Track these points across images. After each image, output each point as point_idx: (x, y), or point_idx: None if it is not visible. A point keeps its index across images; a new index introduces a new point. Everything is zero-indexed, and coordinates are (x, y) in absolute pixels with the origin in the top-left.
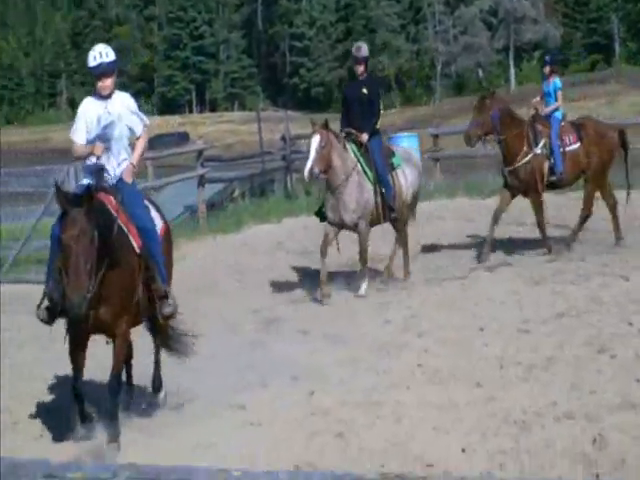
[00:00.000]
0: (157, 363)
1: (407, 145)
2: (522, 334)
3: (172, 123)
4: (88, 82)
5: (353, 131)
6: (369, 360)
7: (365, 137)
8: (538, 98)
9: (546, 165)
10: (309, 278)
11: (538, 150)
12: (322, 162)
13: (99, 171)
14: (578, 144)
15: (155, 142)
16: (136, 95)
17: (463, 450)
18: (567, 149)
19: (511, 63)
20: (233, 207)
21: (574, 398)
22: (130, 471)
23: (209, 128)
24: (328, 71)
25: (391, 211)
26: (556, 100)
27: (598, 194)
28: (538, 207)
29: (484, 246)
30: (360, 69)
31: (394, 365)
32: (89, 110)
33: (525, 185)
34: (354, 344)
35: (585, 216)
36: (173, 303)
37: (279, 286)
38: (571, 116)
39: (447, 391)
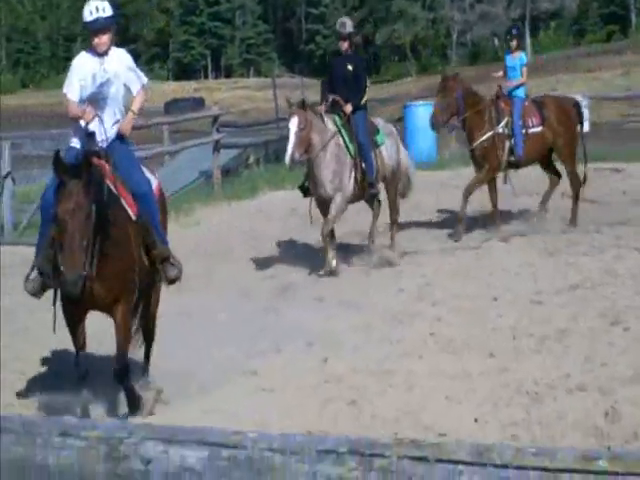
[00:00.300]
0: (147, 354)
1: (424, 114)
2: (535, 305)
3: (187, 88)
4: None
5: (338, 98)
6: (382, 328)
7: (349, 108)
8: (501, 73)
9: (507, 145)
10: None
11: (500, 129)
12: (302, 145)
13: (90, 136)
14: (541, 127)
15: (171, 107)
16: (152, 60)
17: (475, 420)
18: (530, 131)
19: (527, 32)
20: (248, 173)
21: (587, 370)
22: (146, 431)
23: (225, 94)
24: None
25: (371, 187)
26: (521, 76)
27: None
28: (485, 182)
29: (456, 225)
30: (345, 45)
31: (407, 334)
32: (84, 66)
33: (484, 162)
34: (368, 312)
35: (577, 192)
36: (177, 264)
37: (294, 253)
38: (586, 90)
39: (460, 361)
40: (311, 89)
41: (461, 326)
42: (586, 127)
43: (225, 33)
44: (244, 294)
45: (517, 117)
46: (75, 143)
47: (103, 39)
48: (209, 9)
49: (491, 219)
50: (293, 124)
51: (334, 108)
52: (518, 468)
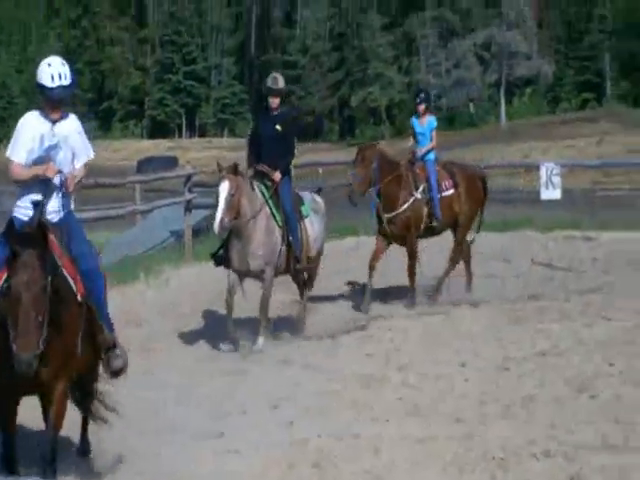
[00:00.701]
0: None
1: None
2: (503, 371)
3: (162, 147)
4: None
5: (266, 169)
6: (350, 393)
7: (278, 175)
8: (411, 141)
9: (425, 210)
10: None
11: (418, 195)
12: (232, 211)
13: (38, 205)
14: (452, 190)
15: (144, 165)
16: (127, 116)
17: None
18: (443, 194)
19: (502, 98)
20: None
21: (552, 437)
22: None
23: (198, 153)
24: (319, 100)
25: (296, 262)
26: (431, 140)
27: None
28: (414, 253)
29: (365, 297)
30: (275, 102)
31: (374, 398)
32: (33, 127)
33: (405, 231)
34: (335, 376)
35: (456, 261)
36: (123, 354)
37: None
38: (560, 158)
39: (427, 425)
40: None
41: (428, 391)
42: (558, 194)
43: (200, 92)
44: (211, 356)
45: (434, 181)
46: (22, 211)
47: (58, 109)
48: (185, 67)
49: (438, 285)
50: (223, 189)
51: (261, 177)
52: None
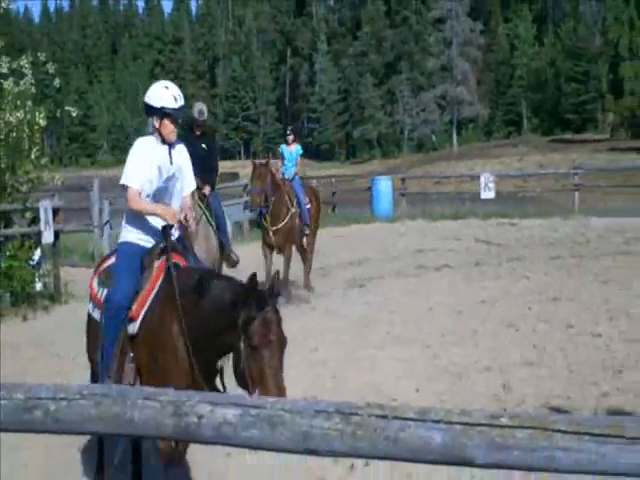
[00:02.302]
0: None
1: (384, 185)
2: (457, 314)
3: (227, 166)
4: None
5: (198, 183)
6: (352, 329)
7: (208, 189)
8: (279, 163)
9: (298, 222)
10: None
11: (293, 209)
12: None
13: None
14: (310, 204)
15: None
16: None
17: (417, 390)
18: (307, 207)
19: (454, 131)
20: None
21: (491, 358)
22: None
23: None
24: (331, 134)
25: (231, 253)
26: (296, 165)
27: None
28: (289, 261)
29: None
30: (200, 130)
31: (372, 331)
32: (149, 153)
33: (287, 241)
34: (341, 318)
35: (310, 260)
36: None
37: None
38: (492, 170)
39: (407, 350)
40: (310, 167)
41: (407, 327)
42: (493, 195)
43: (253, 129)
44: None
45: (302, 196)
46: (138, 238)
47: (174, 128)
48: (243, 113)
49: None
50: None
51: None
52: (447, 423)
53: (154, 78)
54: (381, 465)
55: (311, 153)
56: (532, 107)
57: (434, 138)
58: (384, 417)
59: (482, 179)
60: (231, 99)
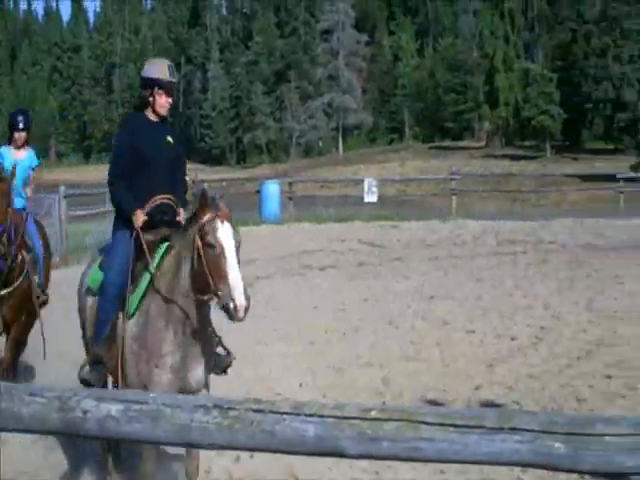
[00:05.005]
0: None
1: (272, 189)
2: (340, 311)
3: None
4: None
5: None
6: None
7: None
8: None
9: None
10: None
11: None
12: None
13: None
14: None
15: None
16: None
17: (300, 385)
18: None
19: (340, 138)
20: None
21: (372, 353)
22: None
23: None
24: (223, 139)
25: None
26: (29, 184)
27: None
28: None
29: None
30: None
31: (259, 328)
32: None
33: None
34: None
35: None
36: None
37: None
38: (377, 175)
39: (292, 346)
40: (200, 171)
41: (293, 323)
42: (375, 198)
43: None
44: None
45: (36, 240)
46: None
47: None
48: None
49: None
50: None
51: None
52: (321, 416)
53: (52, 84)
54: (264, 457)
55: (203, 158)
56: (414, 115)
57: (321, 144)
58: (261, 411)
59: (366, 183)
60: (127, 105)
